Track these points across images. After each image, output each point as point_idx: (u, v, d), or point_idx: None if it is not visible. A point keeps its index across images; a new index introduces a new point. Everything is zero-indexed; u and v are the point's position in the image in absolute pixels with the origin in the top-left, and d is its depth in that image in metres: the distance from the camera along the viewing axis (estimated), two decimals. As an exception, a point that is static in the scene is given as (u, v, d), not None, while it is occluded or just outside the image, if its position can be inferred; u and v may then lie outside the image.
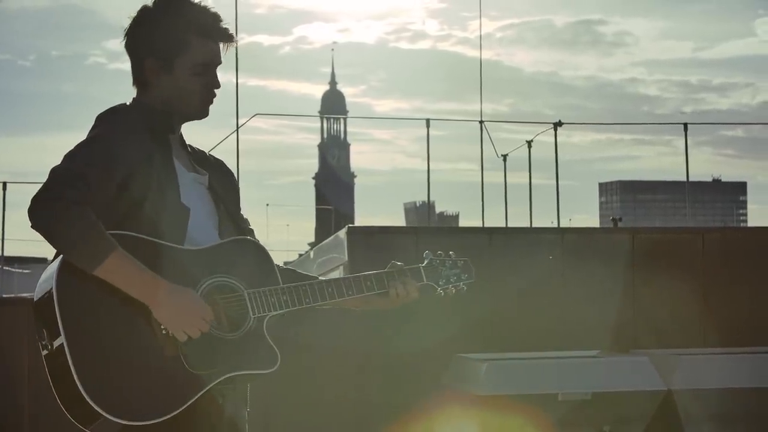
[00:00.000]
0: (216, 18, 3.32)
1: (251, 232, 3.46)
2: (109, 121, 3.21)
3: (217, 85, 3.35)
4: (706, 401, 6.70)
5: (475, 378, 6.64)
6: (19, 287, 16.43)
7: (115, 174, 3.06)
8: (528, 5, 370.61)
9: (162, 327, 3.02)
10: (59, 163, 3.04)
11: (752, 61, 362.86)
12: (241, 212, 3.50)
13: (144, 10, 3.32)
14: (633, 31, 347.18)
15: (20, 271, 17.66)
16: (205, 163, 3.43)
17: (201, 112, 3.36)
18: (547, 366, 6.87)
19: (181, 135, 3.39)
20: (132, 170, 3.10)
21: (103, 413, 2.90)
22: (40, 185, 2.99)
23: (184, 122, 3.38)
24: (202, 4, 3.33)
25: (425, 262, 3.66)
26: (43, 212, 2.95)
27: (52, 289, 2.98)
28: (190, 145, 3.42)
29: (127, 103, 3.33)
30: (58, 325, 2.94)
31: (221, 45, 3.35)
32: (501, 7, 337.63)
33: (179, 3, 3.31)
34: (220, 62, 3.35)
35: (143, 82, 3.32)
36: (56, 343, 2.95)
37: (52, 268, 3.03)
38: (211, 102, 3.37)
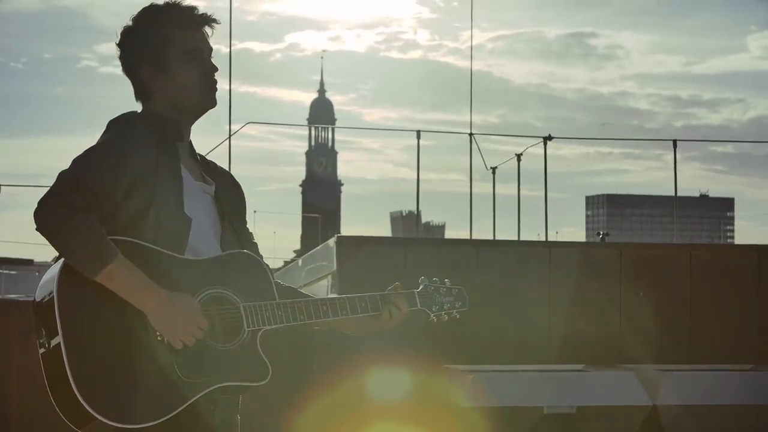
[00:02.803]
0: (190, 8, 3.39)
1: (255, 246, 3.49)
2: (118, 128, 3.26)
3: (214, 69, 3.40)
4: (691, 417, 6.73)
5: (461, 389, 6.66)
6: (6, 289, 16.37)
7: (120, 182, 3.12)
8: (520, 17, 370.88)
9: (158, 334, 3.06)
10: (67, 168, 3.11)
11: (743, 77, 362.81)
12: (246, 226, 3.52)
13: (125, 31, 3.40)
14: (624, 44, 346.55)
15: (7, 272, 17.56)
16: (213, 173, 3.46)
17: (207, 101, 3.40)
18: (533, 379, 6.89)
19: (191, 143, 3.42)
20: (138, 178, 3.15)
21: (96, 415, 2.93)
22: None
23: (195, 119, 3.43)
24: (176, 1, 3.40)
25: (420, 287, 3.66)
26: (48, 217, 3.03)
27: (53, 289, 3.03)
28: (200, 155, 3.46)
29: (138, 111, 3.38)
30: (57, 325, 2.98)
31: (206, 30, 3.41)
32: (492, 19, 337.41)
33: (153, 9, 3.39)
34: (209, 47, 3.41)
35: (145, 92, 3.38)
36: (53, 343, 3.00)
37: (54, 270, 3.08)
38: (214, 88, 3.41)
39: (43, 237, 3.05)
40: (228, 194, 3.47)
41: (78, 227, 3.00)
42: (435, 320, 3.66)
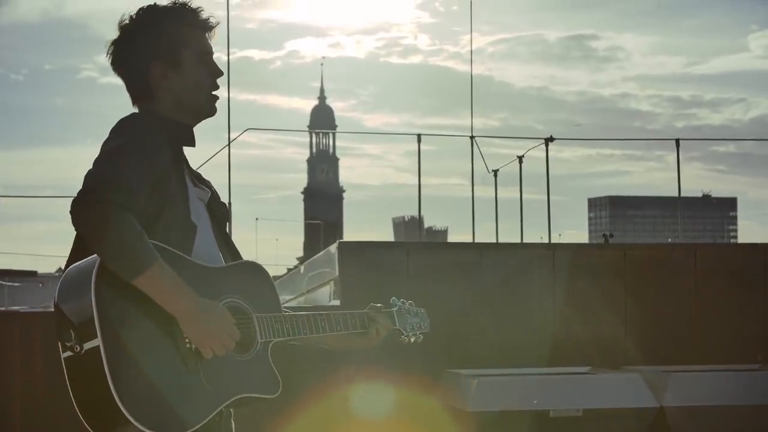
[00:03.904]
0: (197, 11, 3.36)
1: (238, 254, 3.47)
2: (135, 128, 3.17)
3: (220, 72, 3.38)
4: (697, 419, 6.70)
5: (466, 394, 6.64)
6: (9, 301, 16.40)
7: (149, 180, 3.03)
8: (520, 20, 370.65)
9: (187, 341, 3.01)
10: (92, 168, 2.98)
11: (744, 77, 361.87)
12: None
13: (127, 28, 3.32)
14: (625, 46, 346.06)
15: (10, 284, 17.57)
16: (201, 181, 3.43)
17: (212, 105, 3.37)
18: (539, 382, 6.87)
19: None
20: (157, 181, 3.08)
21: (134, 422, 2.85)
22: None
23: (195, 123, 3.37)
24: (185, 2, 3.36)
25: (395, 308, 3.75)
26: (87, 213, 2.89)
27: (89, 289, 2.90)
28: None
29: (142, 114, 3.31)
30: (95, 327, 2.88)
31: (207, 34, 3.39)
32: (493, 22, 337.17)
33: (163, 9, 3.34)
34: (212, 51, 3.39)
35: (149, 92, 3.30)
36: (88, 346, 2.89)
37: (83, 268, 2.96)
38: (217, 94, 3.38)
39: (85, 235, 2.92)
40: (216, 203, 3.44)
41: (120, 227, 2.87)
42: (405, 341, 3.76)
